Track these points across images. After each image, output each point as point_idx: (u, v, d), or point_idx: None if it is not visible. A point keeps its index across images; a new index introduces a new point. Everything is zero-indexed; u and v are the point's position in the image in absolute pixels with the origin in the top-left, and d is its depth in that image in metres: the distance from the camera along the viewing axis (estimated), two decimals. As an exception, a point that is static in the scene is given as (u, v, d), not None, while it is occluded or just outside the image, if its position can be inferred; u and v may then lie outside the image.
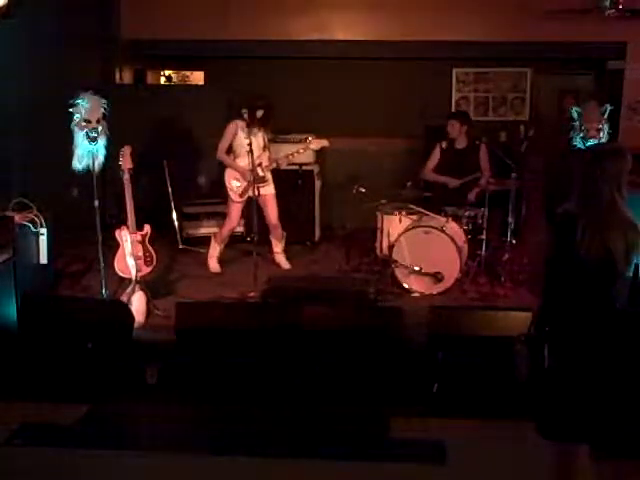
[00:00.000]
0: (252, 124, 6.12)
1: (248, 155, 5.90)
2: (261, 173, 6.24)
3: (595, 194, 2.76)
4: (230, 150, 6.28)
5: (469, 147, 6.61)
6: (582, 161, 2.87)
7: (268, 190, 6.36)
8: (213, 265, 6.52)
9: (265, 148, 6.33)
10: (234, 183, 6.25)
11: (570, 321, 2.81)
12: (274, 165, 6.36)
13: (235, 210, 6.35)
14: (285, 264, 6.61)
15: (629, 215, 2.77)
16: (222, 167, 6.39)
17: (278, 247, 6.60)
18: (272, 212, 6.41)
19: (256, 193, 6.07)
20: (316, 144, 6.42)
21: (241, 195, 6.23)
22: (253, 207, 6.00)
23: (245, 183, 6.15)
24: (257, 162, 6.14)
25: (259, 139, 6.24)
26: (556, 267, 2.82)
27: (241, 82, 7.96)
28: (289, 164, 6.66)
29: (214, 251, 6.54)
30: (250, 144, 5.85)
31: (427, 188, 6.76)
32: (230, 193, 6.30)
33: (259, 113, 6.17)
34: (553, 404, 2.83)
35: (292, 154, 6.39)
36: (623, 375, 2.78)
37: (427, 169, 6.75)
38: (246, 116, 6.08)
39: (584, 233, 2.71)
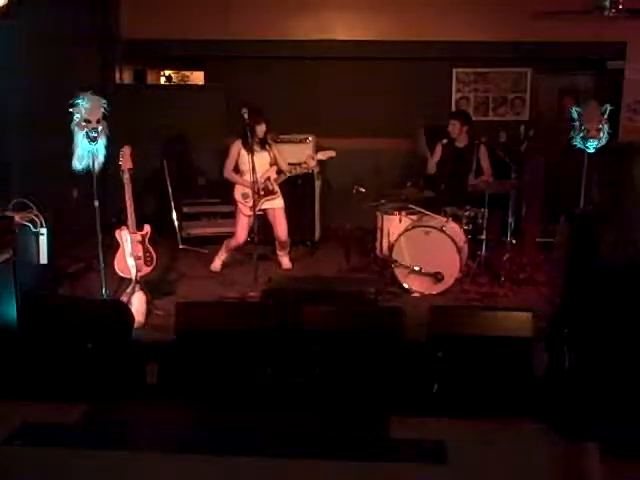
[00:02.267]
0: (253, 141, 6.06)
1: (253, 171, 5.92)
2: (270, 187, 6.28)
3: (618, 196, 2.74)
4: (236, 168, 6.32)
5: (469, 146, 6.62)
6: (608, 160, 2.84)
7: (277, 204, 6.38)
8: (215, 265, 6.52)
9: (272, 163, 6.33)
10: (244, 198, 6.25)
11: (592, 322, 2.79)
12: (283, 177, 6.36)
13: (243, 224, 6.31)
14: (287, 263, 6.64)
15: None
16: (230, 183, 6.38)
17: (282, 252, 6.64)
18: (281, 226, 6.42)
19: (265, 207, 6.20)
20: (323, 155, 6.42)
21: (251, 208, 6.18)
22: (254, 208, 6.01)
23: (255, 197, 6.13)
24: (265, 176, 6.20)
25: (264, 155, 6.24)
26: (577, 269, 2.80)
27: (241, 82, 7.98)
28: (289, 163, 6.68)
29: (221, 255, 6.53)
30: (253, 160, 5.88)
31: (427, 188, 6.77)
32: (240, 207, 6.30)
33: (260, 129, 6.17)
34: (570, 402, 2.83)
35: (299, 165, 6.38)
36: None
37: (431, 165, 6.79)
38: (249, 130, 6.03)
39: (607, 235, 2.69)
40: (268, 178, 6.27)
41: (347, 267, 6.60)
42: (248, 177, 6.15)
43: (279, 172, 6.36)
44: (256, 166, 5.96)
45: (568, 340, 2.84)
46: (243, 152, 6.20)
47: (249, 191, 6.16)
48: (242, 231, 6.33)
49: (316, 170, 7.65)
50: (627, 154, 2.79)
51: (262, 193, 6.13)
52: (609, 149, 3.07)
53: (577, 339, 2.82)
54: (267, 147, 6.31)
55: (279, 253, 6.64)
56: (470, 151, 6.60)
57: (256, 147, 6.11)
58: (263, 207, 6.27)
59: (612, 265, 2.72)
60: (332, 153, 6.42)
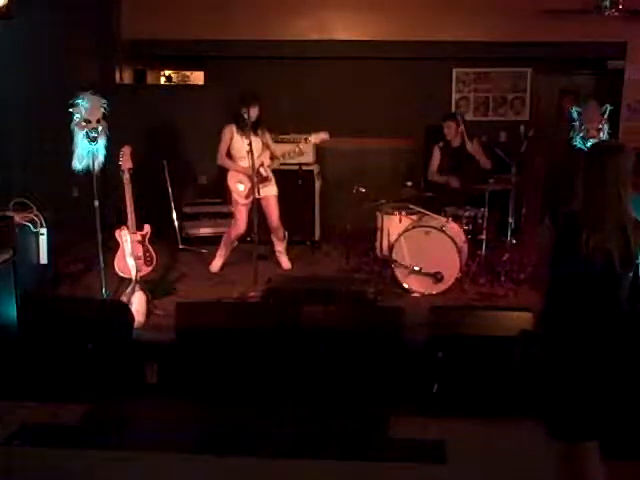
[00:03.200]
0: (246, 125, 6.00)
1: (248, 156, 5.83)
2: (264, 173, 6.20)
3: (597, 193, 2.75)
4: (229, 154, 6.24)
5: (463, 144, 6.66)
6: (583, 160, 2.85)
7: (270, 191, 6.32)
8: (215, 265, 6.46)
9: (264, 148, 6.25)
10: (238, 185, 6.20)
11: (575, 321, 2.80)
12: (277, 162, 6.29)
13: (241, 213, 6.25)
14: (286, 264, 6.61)
15: (632, 214, 2.75)
16: (223, 171, 6.33)
17: (280, 246, 6.60)
18: (274, 214, 6.37)
19: (259, 194, 6.07)
20: (316, 138, 6.27)
21: (247, 196, 6.16)
22: (254, 207, 5.99)
23: (249, 184, 6.07)
24: (258, 162, 6.06)
25: (257, 140, 6.11)
26: (560, 268, 2.81)
27: (241, 82, 7.96)
28: (289, 163, 6.66)
29: (221, 252, 6.47)
30: (250, 144, 5.79)
31: (427, 188, 6.78)
32: (235, 195, 6.25)
33: (253, 112, 6.05)
34: (559, 403, 2.83)
35: (294, 150, 6.28)
36: (629, 375, 2.76)
37: (431, 172, 6.84)
38: (245, 115, 6.02)
39: (586, 233, 2.70)
40: (262, 164, 6.16)
41: (347, 267, 6.60)
42: (241, 163, 6.11)
43: (272, 158, 6.28)
44: (247, 152, 5.86)
45: (555, 340, 2.84)
46: (236, 137, 6.13)
47: (243, 178, 6.12)
48: (242, 220, 6.24)
49: (316, 170, 7.66)
50: (602, 154, 2.79)
51: (256, 179, 6.00)
52: (589, 150, 3.08)
53: (562, 338, 2.82)
54: (259, 132, 6.17)
55: (277, 249, 6.59)
56: (465, 148, 6.63)
57: (248, 130, 5.99)
58: (257, 195, 6.11)
59: (588, 265, 2.73)
60: (325, 135, 6.24)
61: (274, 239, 6.57)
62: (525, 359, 2.93)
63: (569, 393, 2.81)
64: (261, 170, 6.17)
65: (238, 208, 6.28)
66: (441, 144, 6.79)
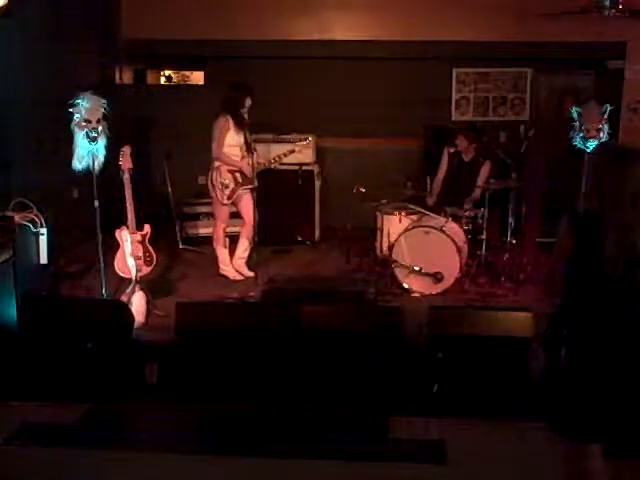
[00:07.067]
0: (242, 116, 5.89)
1: (241, 151, 5.80)
2: (249, 174, 5.94)
3: (618, 195, 2.73)
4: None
5: (473, 161, 6.53)
6: (604, 162, 2.83)
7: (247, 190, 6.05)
8: (233, 274, 6.20)
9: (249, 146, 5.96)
10: (225, 183, 5.97)
11: (592, 322, 2.78)
12: (265, 166, 6.19)
13: (224, 211, 6.12)
14: (247, 272, 6.20)
15: None
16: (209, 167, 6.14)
17: (245, 252, 6.22)
18: (249, 209, 6.06)
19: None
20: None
21: (229, 197, 6.00)
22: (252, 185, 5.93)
23: (233, 185, 5.96)
24: (247, 161, 5.92)
25: (245, 134, 5.95)
26: (579, 268, 2.79)
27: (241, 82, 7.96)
28: (289, 163, 6.64)
29: (223, 256, 6.23)
30: (246, 138, 5.74)
31: (427, 188, 6.77)
32: (218, 194, 5.99)
33: (248, 102, 5.94)
34: (569, 404, 2.82)
35: (280, 156, 6.29)
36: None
37: (437, 180, 6.71)
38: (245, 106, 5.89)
39: (608, 234, 2.68)
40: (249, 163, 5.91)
41: (347, 267, 6.60)
42: (234, 155, 5.96)
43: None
44: (242, 146, 5.82)
45: (567, 340, 2.83)
46: (232, 129, 5.92)
47: (230, 178, 5.95)
48: (224, 217, 6.10)
49: (316, 170, 7.66)
50: (625, 157, 2.78)
51: (240, 181, 5.93)
52: (609, 151, 3.05)
53: (577, 340, 2.82)
54: (246, 125, 5.96)
55: (240, 255, 6.21)
56: (474, 167, 6.49)
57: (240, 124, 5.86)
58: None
59: (614, 266, 2.71)
60: None
61: (242, 239, 6.21)
62: (551, 360, 2.90)
63: (579, 393, 2.80)
64: (248, 170, 5.92)
65: (220, 208, 6.08)
66: (452, 150, 6.59)
